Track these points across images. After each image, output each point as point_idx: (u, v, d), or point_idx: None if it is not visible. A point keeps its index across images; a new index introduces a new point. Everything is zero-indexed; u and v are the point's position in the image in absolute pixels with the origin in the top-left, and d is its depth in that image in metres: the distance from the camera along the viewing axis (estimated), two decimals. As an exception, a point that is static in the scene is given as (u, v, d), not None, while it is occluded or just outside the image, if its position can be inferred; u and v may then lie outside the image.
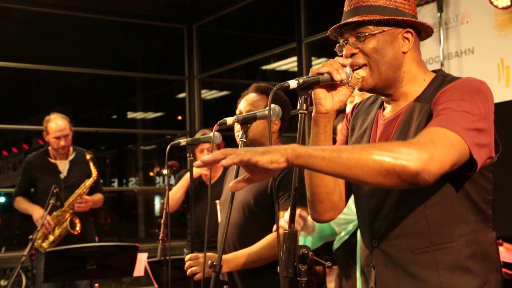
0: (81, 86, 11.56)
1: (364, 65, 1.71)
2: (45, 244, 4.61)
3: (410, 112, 1.71)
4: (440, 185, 1.62)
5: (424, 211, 1.65)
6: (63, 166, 4.81)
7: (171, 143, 2.83)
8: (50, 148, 4.85)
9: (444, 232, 1.64)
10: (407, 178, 1.44)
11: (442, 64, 5.49)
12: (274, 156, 1.40)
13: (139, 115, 13.15)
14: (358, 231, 2.41)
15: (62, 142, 4.71)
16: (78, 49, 9.55)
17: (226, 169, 4.76)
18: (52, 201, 4.20)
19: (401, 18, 1.69)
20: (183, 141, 2.78)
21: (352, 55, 1.72)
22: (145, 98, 12.80)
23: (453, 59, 5.52)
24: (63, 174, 4.76)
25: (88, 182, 4.73)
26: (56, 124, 4.72)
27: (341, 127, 1.99)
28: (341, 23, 1.73)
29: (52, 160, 4.83)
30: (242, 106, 2.80)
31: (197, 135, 4.73)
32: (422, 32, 1.78)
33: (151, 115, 13.18)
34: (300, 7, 7.44)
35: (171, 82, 10.62)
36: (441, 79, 1.73)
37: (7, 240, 12.10)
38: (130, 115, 13.41)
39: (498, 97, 5.04)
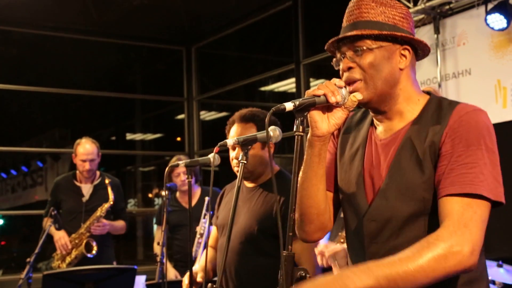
0: (80, 107, 11.58)
1: (360, 80, 1.71)
2: (63, 265, 4.73)
3: (409, 136, 1.70)
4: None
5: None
6: (87, 190, 4.93)
7: (170, 165, 2.83)
8: (77, 171, 4.97)
9: None
10: (458, 274, 1.58)
11: (439, 85, 5.51)
12: None
13: (138, 136, 13.15)
14: None
15: (87, 166, 4.82)
16: (77, 71, 9.58)
17: (203, 194, 4.79)
18: (49, 223, 4.24)
19: (400, 34, 1.70)
20: (181, 163, 2.78)
21: (349, 68, 1.72)
22: (144, 119, 12.81)
23: (451, 80, 5.55)
24: (85, 198, 4.88)
25: (105, 206, 4.79)
26: (84, 148, 4.84)
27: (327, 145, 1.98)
28: (339, 37, 1.74)
29: (78, 183, 4.96)
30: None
31: (172, 160, 4.76)
32: (419, 50, 1.78)
33: (150, 136, 13.18)
34: (298, 28, 7.50)
35: (170, 103, 10.64)
36: (437, 103, 1.73)
37: (4, 263, 12.04)
38: (129, 136, 13.41)
39: (496, 118, 5.07)
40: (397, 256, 1.52)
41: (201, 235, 3.92)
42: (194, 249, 3.91)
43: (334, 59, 1.78)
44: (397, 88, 1.73)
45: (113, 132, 13.56)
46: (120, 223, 4.96)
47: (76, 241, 4.74)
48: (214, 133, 10.02)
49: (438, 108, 1.70)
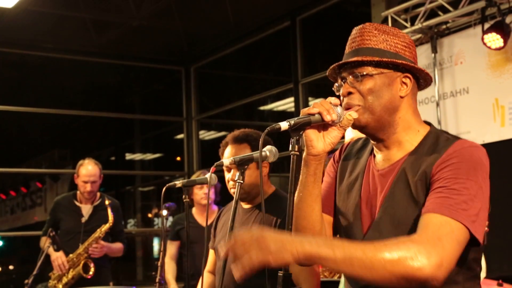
0: (79, 128, 11.60)
1: (359, 105, 1.70)
2: (59, 286, 4.68)
3: (404, 168, 1.69)
4: None
5: None
6: (87, 210, 4.90)
7: (167, 185, 2.82)
8: (78, 192, 4.96)
9: None
10: (416, 284, 1.47)
11: (437, 104, 5.53)
12: (284, 256, 1.42)
13: (137, 156, 13.16)
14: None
15: (89, 188, 4.81)
16: (76, 91, 9.62)
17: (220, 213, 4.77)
18: (47, 244, 4.21)
19: (400, 61, 1.70)
20: (178, 182, 2.78)
21: (349, 93, 1.72)
22: (143, 139, 12.83)
23: (448, 99, 5.56)
24: (84, 218, 4.86)
25: (104, 228, 4.76)
26: (87, 169, 4.84)
27: (327, 168, 1.94)
28: (341, 62, 1.74)
29: (78, 204, 4.93)
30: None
31: (194, 176, 4.74)
32: (421, 79, 1.77)
33: (149, 156, 13.18)
34: (297, 48, 7.54)
35: (169, 123, 10.66)
36: (435, 137, 1.71)
37: (3, 284, 11.96)
38: (129, 156, 13.41)
39: (494, 137, 5.08)
40: (365, 243, 1.49)
41: None
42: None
43: (336, 85, 1.78)
44: (397, 116, 1.72)
45: (113, 152, 13.57)
46: (118, 246, 4.94)
47: (74, 261, 4.70)
48: (214, 153, 9.99)
49: (436, 141, 1.69)
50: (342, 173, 1.87)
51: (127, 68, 9.51)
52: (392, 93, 1.71)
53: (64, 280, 4.69)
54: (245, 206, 2.90)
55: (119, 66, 9.21)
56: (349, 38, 1.78)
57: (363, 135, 1.86)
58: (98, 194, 4.98)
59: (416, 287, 1.47)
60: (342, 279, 2.43)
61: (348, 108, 1.71)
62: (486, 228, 1.67)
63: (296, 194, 1.76)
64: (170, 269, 4.99)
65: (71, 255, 4.67)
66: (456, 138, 1.69)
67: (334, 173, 1.90)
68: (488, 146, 1.81)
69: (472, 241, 1.55)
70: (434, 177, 1.61)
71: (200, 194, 4.89)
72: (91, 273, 4.69)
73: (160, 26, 7.92)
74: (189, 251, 4.86)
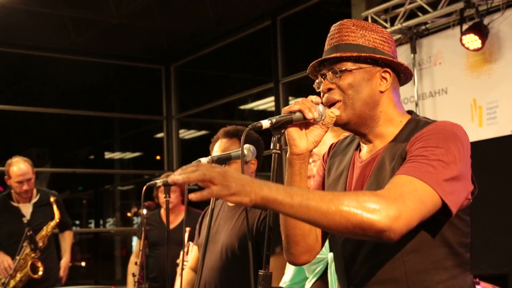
0: (58, 127, 11.49)
1: (339, 101, 1.71)
2: None
3: (384, 155, 1.70)
4: (416, 232, 1.60)
5: (401, 258, 1.63)
6: (26, 209, 4.71)
7: (147, 183, 2.81)
8: (12, 191, 4.74)
9: (422, 279, 1.62)
10: (372, 234, 1.45)
11: (416, 104, 5.57)
12: (242, 198, 1.41)
13: (116, 155, 13.07)
14: (329, 273, 2.36)
15: (25, 187, 4.62)
16: (55, 90, 9.53)
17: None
18: (25, 244, 4.12)
19: (379, 56, 1.70)
20: (159, 181, 2.76)
21: (329, 90, 1.72)
22: (123, 138, 12.75)
23: (427, 99, 5.61)
24: (26, 218, 4.66)
25: (51, 225, 4.62)
26: (19, 168, 4.63)
27: (317, 168, 1.96)
28: (320, 59, 1.74)
29: (15, 204, 4.72)
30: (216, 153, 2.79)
31: (162, 177, 4.70)
32: (401, 74, 1.78)
33: (129, 155, 13.10)
34: (277, 48, 7.55)
35: (149, 122, 10.61)
36: (415, 123, 1.72)
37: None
38: (108, 155, 13.32)
39: (472, 137, 5.12)
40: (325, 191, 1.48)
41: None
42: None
43: (316, 82, 1.78)
44: (377, 110, 1.72)
45: (92, 151, 13.46)
46: (68, 242, 4.84)
47: (21, 262, 4.45)
48: (194, 152, 10.00)
49: (415, 127, 1.70)
50: (329, 169, 1.87)
51: (106, 67, 9.44)
52: (372, 88, 1.71)
53: (12, 283, 4.44)
54: (231, 204, 2.89)
55: (98, 65, 9.13)
56: (328, 35, 1.79)
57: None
58: (35, 190, 4.78)
59: (371, 237, 1.47)
60: (332, 279, 2.42)
61: (328, 103, 1.71)
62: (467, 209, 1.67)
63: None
64: (131, 271, 4.90)
65: (17, 257, 4.41)
66: (435, 121, 1.70)
67: (323, 171, 1.91)
68: (466, 146, 1.81)
69: (445, 210, 1.53)
70: (407, 154, 1.61)
71: (162, 197, 4.82)
72: (40, 273, 4.51)
73: (140, 24, 7.88)
74: (154, 253, 4.86)
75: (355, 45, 1.71)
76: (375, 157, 1.73)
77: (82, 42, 8.01)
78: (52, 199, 4.66)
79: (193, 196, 1.39)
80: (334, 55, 1.71)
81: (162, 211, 4.93)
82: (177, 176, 1.41)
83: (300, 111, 1.65)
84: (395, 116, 1.75)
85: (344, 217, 1.44)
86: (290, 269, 2.52)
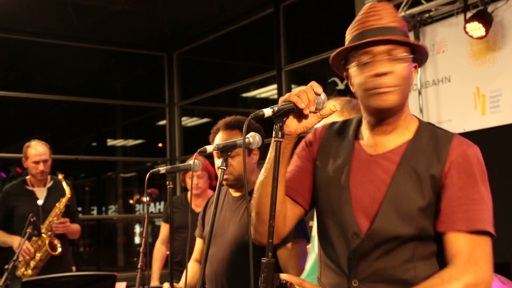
0: (60, 113, 11.48)
1: (397, 86, 1.66)
2: (29, 271, 4.55)
3: (408, 159, 1.69)
4: (433, 243, 1.67)
5: (413, 262, 1.66)
6: (41, 193, 4.77)
7: (151, 171, 2.81)
8: (28, 177, 4.82)
9: None
10: None
11: (420, 92, 5.56)
12: None
13: (119, 142, 13.07)
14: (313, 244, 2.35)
15: (41, 167, 4.68)
16: (57, 76, 9.51)
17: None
18: (29, 230, 4.15)
19: (425, 50, 1.73)
20: (162, 169, 2.76)
21: (385, 74, 1.65)
22: (125, 125, 12.74)
23: (431, 87, 5.59)
24: (40, 200, 4.72)
25: (63, 200, 4.68)
26: (36, 149, 4.71)
27: (298, 150, 1.88)
28: (387, 37, 1.65)
29: (30, 188, 4.79)
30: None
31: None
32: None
33: (131, 142, 13.10)
34: (280, 35, 7.52)
35: (151, 109, 10.60)
36: (431, 131, 1.73)
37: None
38: (110, 142, 13.31)
39: (475, 125, 5.12)
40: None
41: None
42: None
43: (355, 63, 1.68)
44: (407, 102, 1.73)
45: (94, 138, 13.46)
46: (76, 226, 4.87)
47: (39, 243, 4.57)
48: (196, 139, 9.99)
49: (434, 136, 1.70)
50: (325, 159, 1.82)
51: (108, 54, 9.41)
52: (411, 79, 1.72)
53: (32, 263, 4.57)
54: (235, 194, 2.87)
55: (100, 51, 9.11)
56: (363, 15, 1.71)
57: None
58: (49, 176, 4.84)
59: None
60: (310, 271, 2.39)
61: (383, 88, 1.65)
62: None
63: (262, 171, 1.75)
64: (158, 257, 4.93)
65: (34, 238, 4.52)
66: (451, 134, 1.72)
67: (309, 158, 1.85)
68: (468, 135, 1.85)
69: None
70: (446, 180, 1.65)
71: (189, 182, 4.82)
72: (59, 249, 4.59)
73: (143, 11, 7.85)
74: (180, 236, 4.84)
75: (404, 32, 1.70)
76: (392, 156, 1.71)
77: (85, 28, 7.99)
78: (60, 176, 4.74)
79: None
80: (399, 38, 1.66)
81: (189, 194, 4.94)
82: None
83: (293, 102, 1.61)
84: (409, 111, 1.76)
85: None
86: (309, 262, 2.49)
